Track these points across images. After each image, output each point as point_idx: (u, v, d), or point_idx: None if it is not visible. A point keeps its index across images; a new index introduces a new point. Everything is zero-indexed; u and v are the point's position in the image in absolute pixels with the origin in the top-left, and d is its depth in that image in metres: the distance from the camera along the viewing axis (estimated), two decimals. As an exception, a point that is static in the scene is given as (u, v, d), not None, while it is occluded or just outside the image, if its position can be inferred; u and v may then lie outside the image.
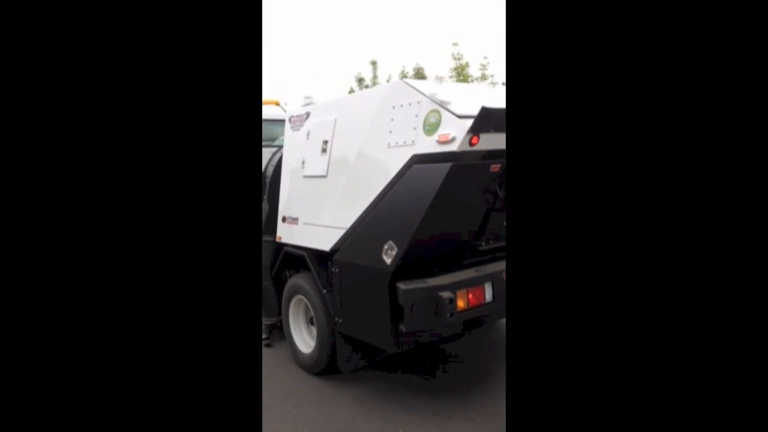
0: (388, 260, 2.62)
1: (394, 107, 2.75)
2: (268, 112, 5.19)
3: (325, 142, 3.24)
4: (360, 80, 13.97)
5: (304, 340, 3.55)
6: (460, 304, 2.67)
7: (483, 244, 3.02)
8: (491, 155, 2.58)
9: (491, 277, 2.84)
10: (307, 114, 3.52)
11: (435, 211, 2.50)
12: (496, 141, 2.53)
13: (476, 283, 2.78)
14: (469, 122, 2.36)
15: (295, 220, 3.48)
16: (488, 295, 2.82)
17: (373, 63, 13.74)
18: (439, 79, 3.07)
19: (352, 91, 13.63)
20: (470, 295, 2.73)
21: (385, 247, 2.64)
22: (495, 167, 2.62)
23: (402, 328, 2.59)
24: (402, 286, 2.57)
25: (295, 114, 3.67)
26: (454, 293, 2.62)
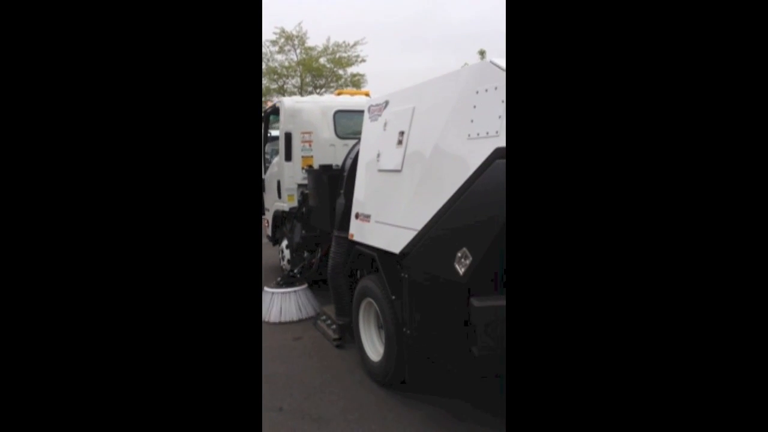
0: (461, 270, 2.25)
1: (477, 92, 2.37)
2: (358, 102, 5.02)
3: (402, 134, 2.94)
4: None
5: (374, 347, 3.30)
6: (548, 327, 2.23)
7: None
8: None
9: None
10: (386, 103, 3.25)
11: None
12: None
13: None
14: (567, 108, 1.92)
15: (367, 218, 3.24)
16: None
17: (482, 53, 13.14)
18: None
19: None
20: (561, 318, 2.28)
21: (459, 254, 2.27)
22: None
23: (474, 350, 2.21)
24: (476, 302, 2.19)
25: (374, 103, 3.41)
26: (540, 315, 2.19)
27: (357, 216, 3.37)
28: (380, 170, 3.14)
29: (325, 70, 19.31)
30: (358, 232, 3.35)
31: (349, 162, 3.80)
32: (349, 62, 19.40)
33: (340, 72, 19.56)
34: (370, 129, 3.39)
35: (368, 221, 3.22)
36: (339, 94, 5.21)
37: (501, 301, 2.20)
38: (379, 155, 3.17)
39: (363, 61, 19.34)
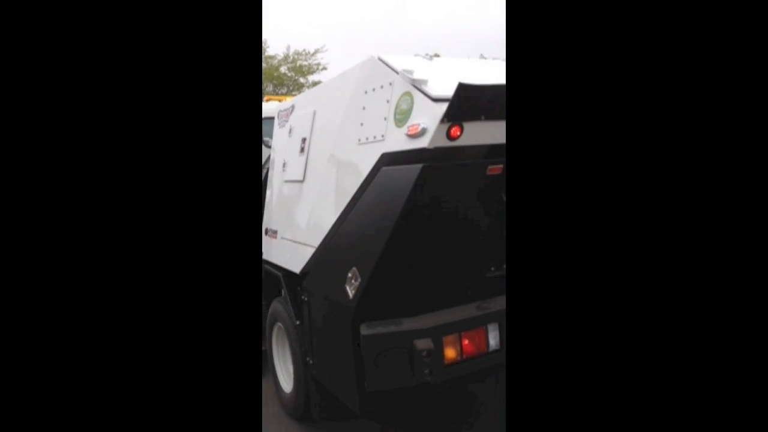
0: (350, 293, 1.99)
1: (366, 92, 2.12)
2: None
3: (304, 140, 2.67)
4: None
5: (288, 376, 2.99)
6: (450, 354, 1.98)
7: (493, 269, 2.28)
8: (496, 152, 1.86)
9: (499, 316, 2.11)
10: (292, 107, 2.98)
11: (407, 229, 1.83)
12: (496, 132, 1.81)
13: (475, 324, 2.07)
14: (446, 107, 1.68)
15: (275, 233, 2.95)
16: (493, 341, 2.10)
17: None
18: (431, 56, 2.39)
19: None
20: (465, 341, 2.03)
21: (349, 275, 2.01)
22: (495, 169, 1.90)
23: (366, 385, 1.94)
24: (365, 330, 1.93)
25: (282, 108, 3.14)
26: (438, 340, 1.94)
27: (266, 232, 3.09)
28: (286, 181, 2.87)
29: (286, 79, 18.99)
30: (266, 249, 3.06)
31: (263, 173, 3.51)
32: (310, 70, 19.15)
33: (302, 80, 19.29)
34: (278, 136, 3.12)
35: (276, 237, 2.93)
36: (268, 100, 4.91)
37: (393, 328, 1.95)
38: (284, 164, 2.90)
39: (324, 68, 19.11)
